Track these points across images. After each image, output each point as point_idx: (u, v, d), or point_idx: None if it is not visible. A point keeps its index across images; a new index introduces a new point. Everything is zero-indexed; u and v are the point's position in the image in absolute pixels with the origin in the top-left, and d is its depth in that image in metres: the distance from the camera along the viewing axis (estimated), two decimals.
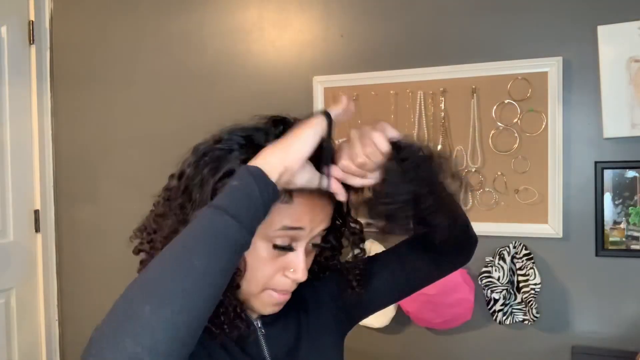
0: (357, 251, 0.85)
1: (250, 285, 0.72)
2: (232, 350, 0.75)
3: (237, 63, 2.02)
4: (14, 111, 2.18)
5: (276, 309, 0.76)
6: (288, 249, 0.72)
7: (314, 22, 1.91)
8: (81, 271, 2.27)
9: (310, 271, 0.79)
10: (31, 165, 2.26)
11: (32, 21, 2.25)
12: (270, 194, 0.62)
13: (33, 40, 2.25)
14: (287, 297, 0.75)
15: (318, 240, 0.77)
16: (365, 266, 0.86)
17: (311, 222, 0.71)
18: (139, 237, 0.76)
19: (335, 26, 1.88)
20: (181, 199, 0.71)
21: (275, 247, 0.71)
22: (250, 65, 2.00)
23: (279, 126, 0.73)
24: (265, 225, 0.67)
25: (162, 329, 0.51)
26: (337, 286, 0.88)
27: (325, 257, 0.85)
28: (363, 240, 0.85)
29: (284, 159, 0.63)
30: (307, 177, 0.68)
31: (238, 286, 0.71)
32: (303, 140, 0.65)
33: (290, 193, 0.68)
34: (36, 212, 2.26)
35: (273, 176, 0.62)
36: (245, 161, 0.67)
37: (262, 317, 0.80)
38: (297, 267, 0.72)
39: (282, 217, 0.69)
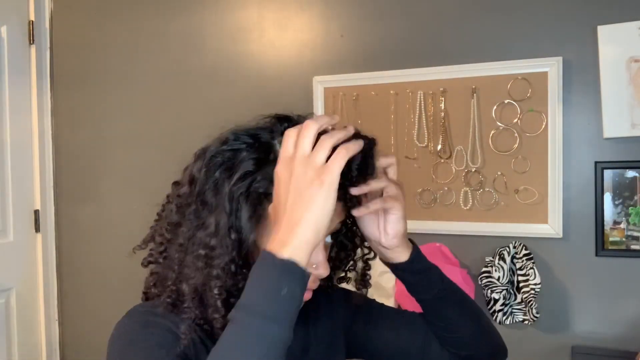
0: (365, 251, 0.84)
1: None
2: None
3: (237, 63, 2.02)
4: (14, 111, 2.18)
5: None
6: None
7: (314, 22, 1.91)
8: (81, 271, 2.27)
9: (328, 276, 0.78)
10: (31, 165, 2.26)
11: (32, 21, 2.24)
12: (306, 280, 0.60)
13: (33, 40, 2.25)
14: (310, 294, 0.73)
15: (331, 238, 0.75)
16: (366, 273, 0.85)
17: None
18: (147, 248, 0.75)
19: (335, 26, 1.88)
20: (195, 204, 0.70)
21: None
22: (250, 65, 2.00)
23: (284, 123, 0.71)
24: None
25: None
26: (351, 307, 0.87)
27: (341, 259, 0.84)
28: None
29: (310, 240, 0.60)
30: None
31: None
32: (322, 209, 0.60)
33: None
34: (36, 212, 2.26)
35: (305, 260, 0.60)
36: (257, 161, 0.67)
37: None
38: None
39: None
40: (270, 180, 0.66)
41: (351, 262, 0.85)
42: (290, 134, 0.64)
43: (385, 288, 1.72)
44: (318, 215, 0.60)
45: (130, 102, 2.19)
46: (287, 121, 0.72)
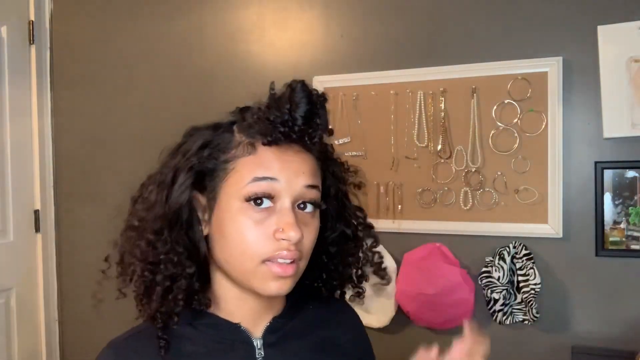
0: (369, 241, 0.81)
1: (243, 260, 0.66)
2: None
3: (237, 63, 2.02)
4: (14, 111, 2.18)
5: (282, 288, 0.67)
6: (262, 197, 0.66)
7: (314, 22, 1.91)
8: (81, 271, 2.27)
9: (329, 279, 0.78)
10: (31, 165, 2.26)
11: (32, 21, 2.24)
12: None
13: (33, 40, 2.25)
14: (290, 269, 0.66)
15: (310, 209, 0.70)
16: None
17: (283, 172, 0.66)
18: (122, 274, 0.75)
19: (335, 26, 1.88)
20: (150, 186, 0.72)
21: (249, 199, 0.66)
22: (250, 65, 2.00)
23: (245, 113, 0.72)
24: (237, 184, 0.67)
25: None
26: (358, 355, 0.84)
27: (365, 259, 0.81)
28: (371, 227, 0.81)
29: None
30: None
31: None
32: None
33: (252, 144, 0.67)
34: (36, 212, 2.26)
35: None
36: (208, 142, 0.69)
37: (265, 336, 0.73)
38: (285, 224, 0.65)
39: (250, 169, 0.66)
40: (218, 150, 0.69)
41: (356, 259, 0.81)
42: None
43: (385, 288, 1.72)
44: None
45: (130, 102, 2.19)
46: (247, 110, 0.72)
